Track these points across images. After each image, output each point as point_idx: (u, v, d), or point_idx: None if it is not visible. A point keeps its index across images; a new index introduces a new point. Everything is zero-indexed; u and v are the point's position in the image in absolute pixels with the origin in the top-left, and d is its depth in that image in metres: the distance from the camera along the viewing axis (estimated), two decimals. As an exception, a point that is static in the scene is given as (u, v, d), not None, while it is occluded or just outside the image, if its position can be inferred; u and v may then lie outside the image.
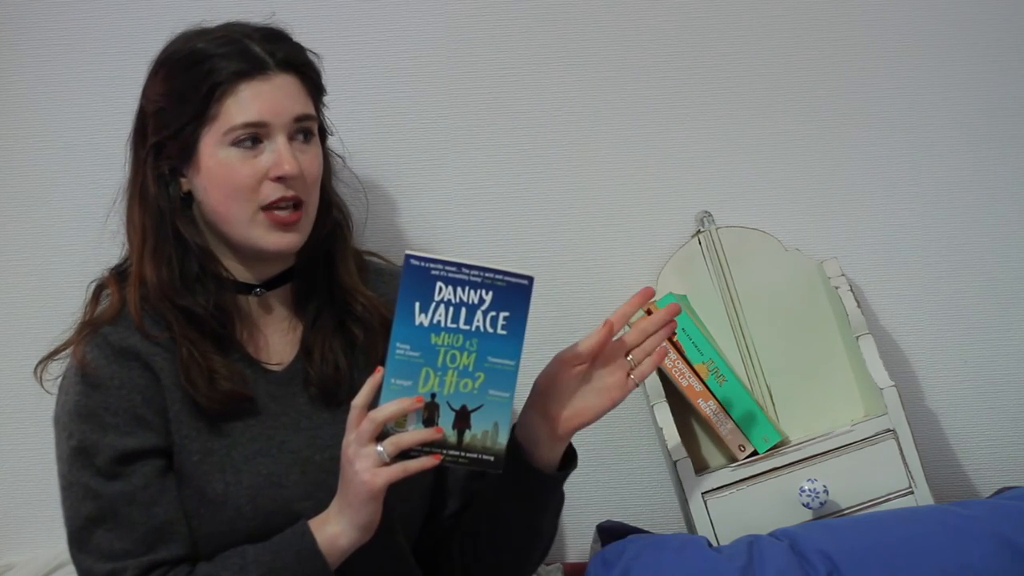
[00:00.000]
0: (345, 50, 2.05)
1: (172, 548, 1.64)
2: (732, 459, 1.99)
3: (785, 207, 2.13)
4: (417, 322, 1.56)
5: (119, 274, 1.75)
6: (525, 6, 2.09)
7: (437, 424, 1.56)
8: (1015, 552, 1.73)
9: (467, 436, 1.57)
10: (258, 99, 1.65)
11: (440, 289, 1.57)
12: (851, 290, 2.03)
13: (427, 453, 1.56)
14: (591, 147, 2.11)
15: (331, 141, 1.81)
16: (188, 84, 1.66)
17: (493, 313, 1.58)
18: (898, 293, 2.14)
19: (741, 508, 1.95)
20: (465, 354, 1.58)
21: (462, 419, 1.57)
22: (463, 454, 1.57)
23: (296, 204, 1.68)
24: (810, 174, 2.13)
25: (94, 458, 1.64)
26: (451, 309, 1.57)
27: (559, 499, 1.77)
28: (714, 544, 1.89)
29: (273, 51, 1.67)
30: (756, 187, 2.13)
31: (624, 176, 2.12)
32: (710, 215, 2.10)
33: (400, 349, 1.56)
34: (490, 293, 1.58)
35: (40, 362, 1.76)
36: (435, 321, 1.57)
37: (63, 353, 1.74)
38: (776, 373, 2.07)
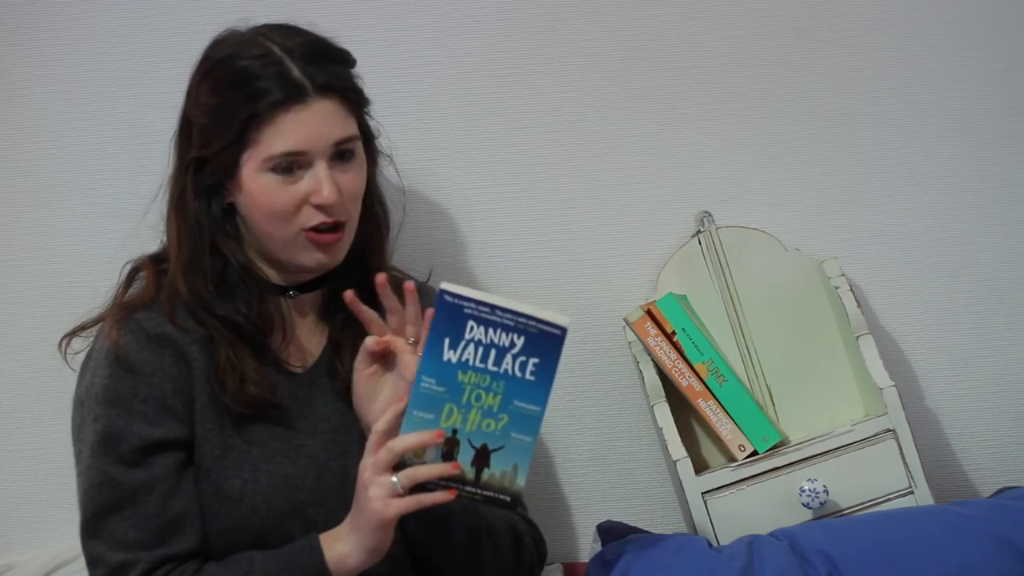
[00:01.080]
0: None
1: (184, 541, 1.64)
2: (732, 459, 1.99)
3: (785, 207, 2.13)
4: (445, 358, 1.54)
5: (156, 261, 1.75)
6: (525, 6, 2.09)
7: (456, 460, 1.55)
8: (1015, 552, 1.73)
9: (485, 474, 1.56)
10: (297, 128, 1.64)
11: (472, 328, 1.54)
12: (851, 290, 2.03)
13: (443, 487, 1.55)
14: (591, 147, 2.11)
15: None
16: (229, 107, 1.65)
17: (523, 358, 1.56)
18: (898, 293, 2.14)
19: (741, 508, 1.95)
20: (491, 395, 1.56)
21: (482, 458, 1.56)
22: (479, 491, 1.56)
23: (337, 225, 1.68)
24: (810, 174, 2.13)
25: (119, 445, 1.63)
26: (480, 349, 1.55)
27: (464, 533, 1.71)
28: (714, 544, 1.89)
29: (313, 75, 1.65)
30: (756, 187, 2.13)
31: (624, 176, 2.12)
32: (710, 215, 2.10)
33: (426, 383, 1.54)
34: (522, 338, 1.55)
35: (65, 336, 1.75)
36: (463, 359, 1.55)
37: (86, 333, 1.73)
38: (776, 373, 2.07)
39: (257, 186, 1.66)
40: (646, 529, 2.02)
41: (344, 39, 2.05)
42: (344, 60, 1.73)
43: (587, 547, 2.08)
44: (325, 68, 1.68)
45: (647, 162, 2.12)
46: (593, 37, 2.10)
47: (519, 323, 1.55)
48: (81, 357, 1.74)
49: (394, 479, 1.54)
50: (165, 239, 1.74)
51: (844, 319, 2.02)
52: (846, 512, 1.95)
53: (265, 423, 1.69)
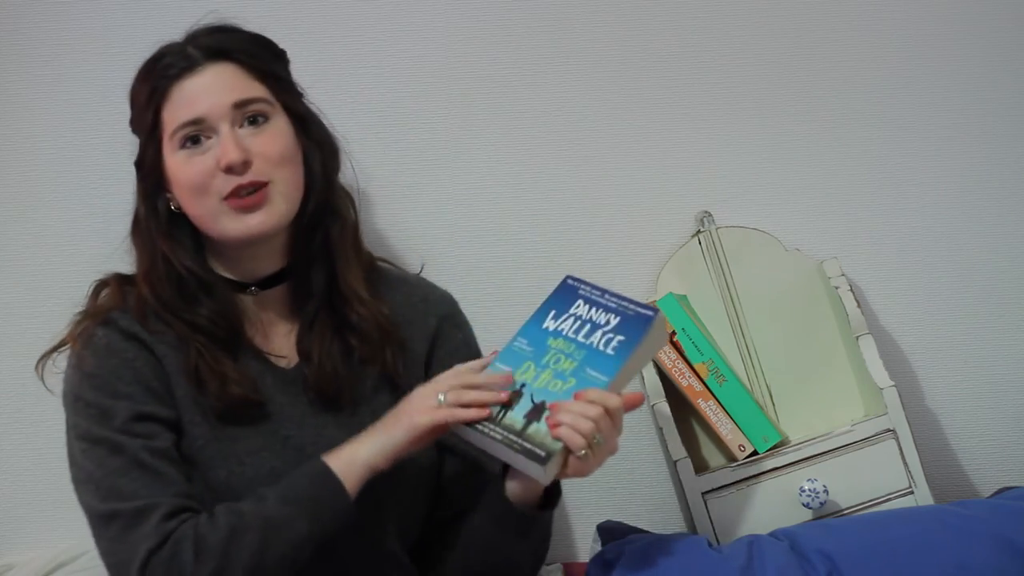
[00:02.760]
0: (345, 50, 2.05)
1: (195, 500, 1.62)
2: (732, 459, 1.99)
3: (785, 207, 2.13)
4: (545, 325, 1.67)
5: (123, 277, 1.76)
6: (525, 6, 2.09)
7: (512, 410, 1.60)
8: (1015, 552, 1.73)
9: (532, 428, 1.59)
10: (191, 96, 1.67)
11: (579, 305, 1.68)
12: (851, 290, 2.03)
13: (487, 435, 1.59)
14: (591, 147, 2.11)
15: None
16: (139, 101, 1.70)
17: (611, 335, 1.64)
18: (898, 293, 2.14)
19: (741, 508, 1.95)
20: (569, 360, 1.63)
21: (536, 411, 1.59)
22: (519, 441, 1.58)
23: (257, 187, 1.67)
24: (810, 174, 2.13)
25: (113, 420, 1.63)
26: (578, 323, 1.66)
27: (539, 534, 1.72)
28: (714, 544, 1.89)
29: (206, 45, 1.69)
30: (756, 187, 2.13)
31: (624, 176, 2.12)
32: (710, 215, 2.10)
33: (519, 342, 1.66)
34: (617, 318, 1.65)
35: (41, 358, 1.76)
36: (559, 328, 1.66)
37: (63, 349, 1.74)
38: (776, 373, 2.07)
39: (175, 166, 1.68)
40: (646, 529, 2.02)
41: (344, 39, 2.06)
42: (240, 31, 1.73)
43: (587, 547, 2.08)
44: (216, 37, 1.70)
45: (647, 162, 2.12)
46: (593, 37, 2.10)
47: (621, 306, 1.66)
48: (61, 377, 1.73)
49: (441, 396, 1.59)
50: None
51: (844, 319, 2.02)
52: (846, 512, 1.95)
53: (250, 416, 1.70)
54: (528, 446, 1.57)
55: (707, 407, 2.00)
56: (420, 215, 2.10)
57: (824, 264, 2.06)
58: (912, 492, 1.95)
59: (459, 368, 1.64)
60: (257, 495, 1.61)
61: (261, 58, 1.72)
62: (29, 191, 2.07)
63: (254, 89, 1.70)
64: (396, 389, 1.74)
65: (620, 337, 1.63)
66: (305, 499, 1.58)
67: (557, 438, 1.57)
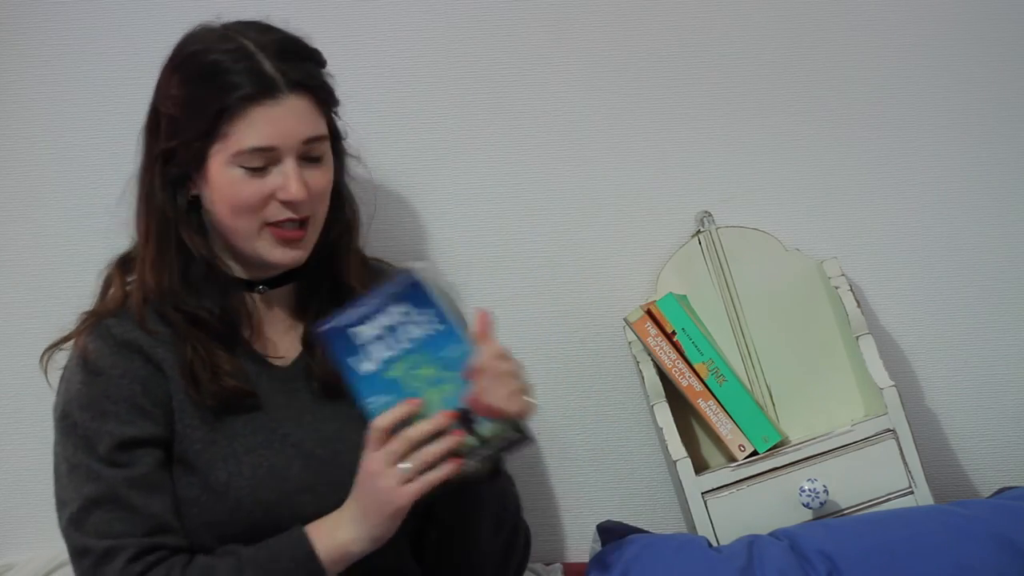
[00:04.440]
0: (345, 50, 2.05)
1: (170, 537, 1.64)
2: (732, 459, 1.99)
3: (785, 207, 2.13)
4: (363, 372, 1.58)
5: (123, 264, 1.76)
6: (525, 6, 2.09)
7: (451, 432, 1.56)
8: (1015, 552, 1.73)
9: (482, 430, 1.57)
10: (268, 124, 1.64)
11: (360, 332, 1.58)
12: (851, 290, 2.03)
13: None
14: (591, 147, 2.11)
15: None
16: (199, 99, 1.65)
17: (415, 319, 1.58)
18: (898, 293, 2.14)
19: (741, 508, 1.95)
20: (423, 367, 1.58)
21: (465, 420, 1.57)
22: (490, 449, 1.57)
23: (302, 222, 1.69)
24: (810, 174, 2.13)
25: (97, 446, 1.64)
26: (379, 342, 1.58)
27: (492, 509, 1.72)
28: (714, 544, 1.89)
29: (285, 71, 1.65)
30: (756, 187, 2.13)
31: (624, 176, 2.12)
32: (710, 215, 2.09)
33: (372, 403, 1.57)
34: (403, 304, 1.58)
35: (45, 351, 1.76)
36: (378, 359, 1.58)
37: (67, 344, 1.74)
38: (776, 373, 2.07)
39: (225, 179, 1.66)
40: (646, 529, 2.02)
41: (344, 39, 2.06)
42: (316, 59, 1.72)
43: (587, 547, 2.08)
44: (297, 65, 1.68)
45: (647, 162, 2.12)
46: (593, 37, 2.10)
47: (384, 300, 1.57)
48: (62, 373, 1.74)
49: (405, 465, 1.55)
50: (135, 236, 1.75)
51: (844, 319, 2.02)
52: (846, 512, 1.95)
53: (247, 416, 1.70)
54: (502, 443, 1.57)
55: (707, 407, 2.00)
56: (420, 215, 2.10)
57: (824, 264, 2.06)
58: (912, 492, 1.95)
59: (379, 426, 1.57)
60: (235, 558, 1.62)
61: (331, 96, 1.73)
62: (29, 191, 2.07)
63: (321, 126, 1.70)
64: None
65: (421, 311, 1.58)
66: None
67: (511, 413, 1.56)
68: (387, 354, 1.58)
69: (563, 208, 2.11)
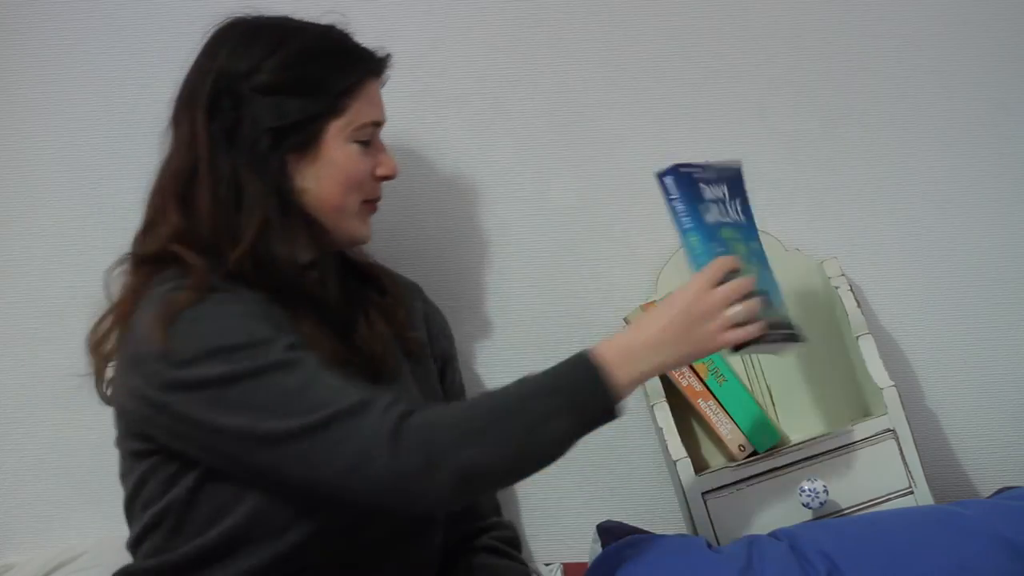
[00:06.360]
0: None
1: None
2: (732, 459, 1.99)
3: (785, 207, 2.13)
4: (708, 221, 1.62)
5: (193, 241, 1.61)
6: (525, 6, 2.09)
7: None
8: (1014, 552, 1.73)
9: (776, 314, 1.63)
10: (378, 100, 1.72)
11: (704, 189, 1.63)
12: (851, 290, 2.03)
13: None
14: (591, 147, 2.11)
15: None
16: (317, 78, 1.64)
17: (734, 202, 1.65)
18: (898, 293, 2.14)
19: (741, 508, 1.95)
20: (740, 244, 1.63)
21: (765, 304, 1.61)
22: (776, 331, 1.62)
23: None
24: (810, 174, 2.13)
25: (274, 344, 1.50)
26: (717, 206, 1.64)
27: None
28: (714, 544, 1.89)
29: (379, 56, 1.72)
30: (756, 187, 2.12)
31: (624, 176, 2.12)
32: (710, 215, 2.09)
33: (706, 250, 1.60)
34: (724, 185, 1.65)
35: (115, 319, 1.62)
36: (715, 219, 1.63)
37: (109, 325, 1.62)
38: (776, 373, 2.07)
39: (343, 155, 1.67)
40: (646, 529, 2.02)
41: (344, 39, 2.05)
42: None
43: (587, 547, 2.08)
44: (385, 56, 1.74)
45: (647, 162, 2.11)
46: (593, 37, 2.10)
47: (720, 174, 1.65)
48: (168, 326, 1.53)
49: (736, 308, 1.57)
50: (210, 222, 1.61)
51: (844, 319, 2.02)
52: (846, 512, 1.95)
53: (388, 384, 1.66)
54: (782, 332, 1.62)
55: (707, 407, 2.00)
56: (419, 215, 2.10)
57: (824, 264, 2.06)
58: (912, 492, 1.95)
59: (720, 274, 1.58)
60: (516, 383, 1.54)
61: None
62: (29, 191, 2.07)
63: None
64: (409, 355, 1.78)
65: (739, 199, 1.65)
66: (578, 403, 1.54)
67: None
68: (720, 219, 1.63)
69: (563, 208, 2.11)
